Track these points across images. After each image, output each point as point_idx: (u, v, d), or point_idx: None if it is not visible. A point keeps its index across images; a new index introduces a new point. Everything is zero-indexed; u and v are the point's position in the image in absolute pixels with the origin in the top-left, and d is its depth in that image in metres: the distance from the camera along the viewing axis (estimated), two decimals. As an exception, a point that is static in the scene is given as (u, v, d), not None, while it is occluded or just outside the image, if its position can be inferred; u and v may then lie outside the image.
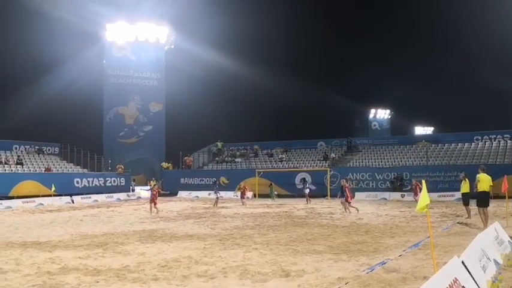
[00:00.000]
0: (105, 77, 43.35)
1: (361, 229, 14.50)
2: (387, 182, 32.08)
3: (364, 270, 8.22)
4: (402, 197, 29.43)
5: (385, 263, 8.84)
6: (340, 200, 22.09)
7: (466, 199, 16.74)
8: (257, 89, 51.65)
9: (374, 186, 32.41)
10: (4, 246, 11.71)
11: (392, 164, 34.45)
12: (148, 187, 38.60)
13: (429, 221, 7.26)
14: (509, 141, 34.48)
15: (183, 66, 44.73)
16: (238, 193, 26.35)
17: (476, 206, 14.75)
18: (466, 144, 35.40)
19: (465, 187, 16.39)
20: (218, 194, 26.66)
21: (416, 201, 20.75)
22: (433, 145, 36.49)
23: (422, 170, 31.00)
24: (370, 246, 11.01)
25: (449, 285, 5.05)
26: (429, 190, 7.01)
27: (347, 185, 21.30)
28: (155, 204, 22.38)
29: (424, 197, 6.78)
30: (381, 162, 35.63)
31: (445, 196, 27.82)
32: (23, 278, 7.99)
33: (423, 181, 7.00)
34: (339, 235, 13.08)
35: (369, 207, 23.58)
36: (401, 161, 35.11)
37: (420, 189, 19.68)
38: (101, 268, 8.72)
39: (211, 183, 34.94)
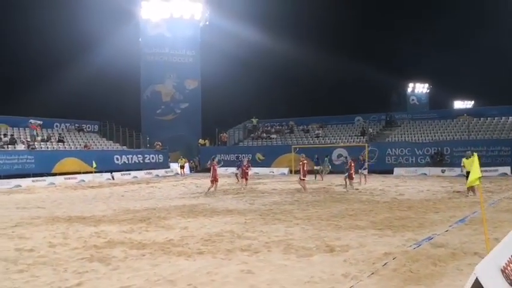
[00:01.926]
0: (142, 55, 43.71)
1: (403, 205, 14.22)
2: (427, 157, 31.39)
3: (411, 246, 8.04)
4: (443, 172, 28.83)
5: (432, 238, 8.62)
6: (343, 176, 21.50)
7: None
8: (293, 64, 51.05)
9: (413, 162, 31.79)
10: (51, 220, 12.04)
11: (432, 139, 33.64)
12: (187, 163, 39.33)
13: (481, 195, 6.98)
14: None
15: (217, 43, 44.58)
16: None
17: None
18: (510, 117, 34.15)
19: None
20: (239, 170, 24.79)
21: (346, 180, 20.48)
22: (474, 119, 35.37)
23: (464, 145, 30.11)
24: (414, 221, 10.77)
25: (508, 260, 4.82)
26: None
27: (353, 164, 21.10)
28: (246, 179, 22.36)
29: (476, 170, 6.51)
30: (421, 137, 34.85)
31: (488, 171, 27.00)
32: (71, 251, 8.17)
33: (475, 154, 6.70)
34: (381, 211, 12.87)
35: (409, 183, 23.15)
36: (441, 136, 34.23)
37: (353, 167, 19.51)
38: (146, 242, 8.83)
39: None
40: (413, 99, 71.02)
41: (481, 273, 4.07)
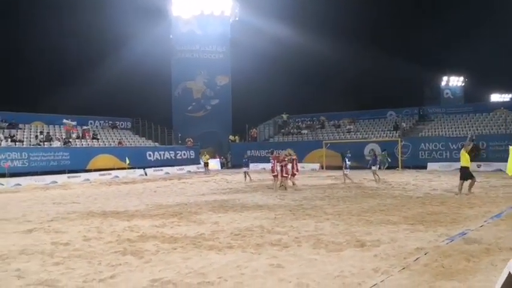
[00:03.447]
0: (173, 52, 44.19)
1: (436, 200, 13.98)
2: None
3: (443, 241, 7.90)
4: (478, 167, 28.09)
5: (465, 234, 8.45)
6: (345, 171, 21.49)
7: None
8: (324, 59, 50.50)
9: (448, 157, 31.11)
10: (86, 215, 12.35)
11: (467, 133, 32.82)
12: (218, 160, 39.55)
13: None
14: None
15: (248, 39, 44.57)
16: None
17: None
18: (550, 110, 33.06)
19: None
20: (245, 169, 24.89)
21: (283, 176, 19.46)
22: (512, 112, 34.37)
23: (501, 139, 29.26)
24: (447, 216, 10.58)
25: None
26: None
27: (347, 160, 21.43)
28: (294, 176, 19.56)
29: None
30: (455, 131, 34.09)
31: (526, 166, 26.20)
32: (105, 245, 8.36)
33: (510, 147, 6.55)
34: (413, 206, 12.68)
35: (442, 178, 22.72)
36: (477, 130, 33.38)
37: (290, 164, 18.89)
38: (177, 236, 8.96)
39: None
40: (447, 93, 69.44)
41: (515, 268, 3.98)
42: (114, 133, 37.26)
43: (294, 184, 19.34)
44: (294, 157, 19.68)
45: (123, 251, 7.73)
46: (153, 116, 39.34)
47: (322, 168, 33.87)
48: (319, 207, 13.01)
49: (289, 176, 19.12)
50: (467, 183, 15.20)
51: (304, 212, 11.95)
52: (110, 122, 38.47)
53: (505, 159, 14.71)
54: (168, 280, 5.95)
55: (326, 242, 8.11)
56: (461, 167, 15.41)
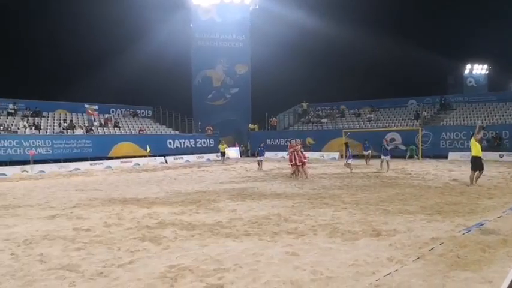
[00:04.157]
0: (193, 41, 44.21)
1: (455, 190, 13.87)
2: (484, 141, 30.21)
3: (460, 231, 7.88)
4: (501, 157, 27.73)
5: (482, 224, 8.42)
6: (348, 160, 21.62)
7: None
8: (343, 47, 50.02)
9: (469, 146, 30.53)
10: (107, 202, 12.61)
11: (490, 122, 32.33)
12: (237, 148, 39.66)
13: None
14: None
15: (267, 27, 44.32)
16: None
17: None
18: None
19: None
20: (261, 158, 25.15)
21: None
22: (537, 101, 33.66)
23: (525, 129, 28.78)
24: (465, 207, 10.51)
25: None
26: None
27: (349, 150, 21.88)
28: (303, 165, 19.22)
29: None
30: (477, 120, 33.52)
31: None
32: (124, 231, 8.56)
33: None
34: (432, 196, 12.61)
35: (463, 168, 22.41)
36: (500, 119, 32.84)
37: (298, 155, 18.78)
38: (196, 223, 9.12)
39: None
40: (470, 81, 68.14)
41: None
42: (135, 121, 37.69)
43: (305, 173, 19.22)
44: (297, 147, 19.56)
45: (142, 238, 7.91)
46: (173, 105, 39.66)
47: (342, 157, 33.72)
48: (337, 196, 13.04)
49: (302, 165, 19.20)
50: (479, 173, 14.95)
51: (322, 201, 12.00)
52: (131, 110, 38.93)
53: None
54: (185, 266, 6.09)
55: (342, 230, 8.17)
56: (472, 156, 15.11)
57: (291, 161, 19.53)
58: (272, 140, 38.66)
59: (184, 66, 44.90)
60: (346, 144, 22.46)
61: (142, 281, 5.60)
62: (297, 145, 19.58)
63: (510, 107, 34.19)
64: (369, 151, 27.30)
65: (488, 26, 52.32)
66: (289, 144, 20.60)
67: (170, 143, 35.01)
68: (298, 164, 19.00)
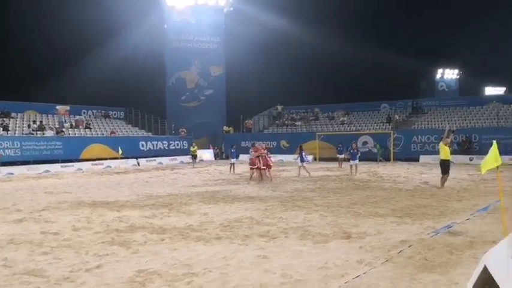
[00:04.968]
0: (167, 42, 43.88)
1: (426, 192, 14.10)
2: (454, 145, 30.83)
3: (428, 234, 8.00)
4: (470, 160, 28.30)
5: (451, 227, 8.56)
6: (304, 163, 21.56)
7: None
8: (319, 51, 50.37)
9: (439, 149, 31.21)
10: (76, 205, 12.38)
11: (460, 126, 33.01)
12: (212, 150, 39.50)
13: (500, 183, 6.89)
14: None
15: (242, 29, 44.36)
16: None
17: None
18: (541, 104, 33.26)
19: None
20: (233, 160, 24.89)
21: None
22: (504, 105, 34.53)
23: (493, 132, 29.43)
24: (435, 209, 10.69)
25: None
26: (500, 153, 6.62)
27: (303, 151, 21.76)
28: (269, 168, 19.22)
29: (493, 158, 6.45)
30: (448, 124, 34.21)
31: (517, 159, 26.47)
32: (93, 235, 8.41)
33: (494, 142, 6.60)
34: (403, 198, 12.79)
35: (434, 171, 22.80)
36: (470, 123, 33.57)
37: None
38: (166, 227, 9.02)
39: (271, 147, 35.24)
40: (442, 86, 69.50)
41: (490, 261, 4.05)
42: (107, 122, 37.18)
43: (269, 176, 19.18)
44: (264, 152, 19.48)
45: (111, 241, 7.79)
46: (146, 106, 39.28)
47: (316, 159, 33.95)
48: (309, 198, 13.10)
49: (267, 168, 19.11)
50: (445, 176, 15.17)
51: (295, 204, 12.03)
52: (103, 112, 38.39)
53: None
54: (154, 271, 6.01)
55: (313, 233, 8.19)
56: (440, 160, 15.35)
57: (253, 164, 19.19)
58: (247, 142, 38.61)
59: (158, 67, 44.54)
60: (301, 148, 22.56)
61: (110, 285, 5.50)
62: (262, 149, 19.53)
63: (479, 111, 35.00)
64: (343, 154, 27.50)
65: (459, 31, 53.53)
66: (253, 147, 20.42)
67: (143, 145, 34.67)
68: (263, 167, 18.90)
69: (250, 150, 20.29)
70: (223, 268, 6.10)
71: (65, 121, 33.48)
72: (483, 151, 27.95)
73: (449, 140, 15.69)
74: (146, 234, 8.32)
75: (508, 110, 33.83)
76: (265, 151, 19.50)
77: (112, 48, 42.67)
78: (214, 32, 44.47)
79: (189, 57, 43.68)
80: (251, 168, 19.33)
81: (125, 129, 37.41)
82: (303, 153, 21.88)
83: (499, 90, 67.00)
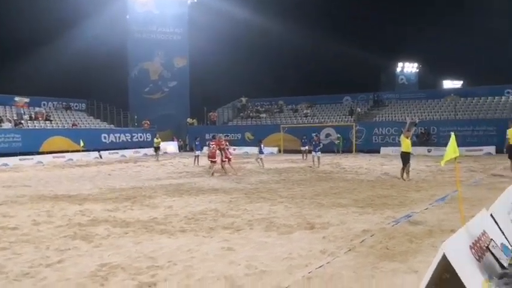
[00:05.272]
0: (129, 33, 43.09)
1: (386, 183, 14.43)
2: (413, 137, 31.57)
3: (389, 223, 8.21)
4: (429, 151, 29.08)
5: (410, 216, 8.80)
6: (262, 156, 22.07)
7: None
8: (282, 43, 50.76)
9: (400, 141, 31.94)
10: (36, 199, 12.08)
11: (419, 119, 33.83)
12: (176, 142, 39.16)
13: (457, 174, 7.11)
14: (542, 95, 33.43)
15: (206, 20, 44.02)
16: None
17: (508, 158, 14.84)
18: (496, 97, 34.46)
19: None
20: (197, 152, 24.75)
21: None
22: (462, 99, 35.62)
23: (450, 125, 30.38)
24: (395, 199, 10.97)
25: (478, 237, 4.96)
26: (458, 144, 6.83)
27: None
28: (229, 160, 18.92)
29: (452, 149, 6.65)
30: (408, 116, 35.00)
31: (473, 151, 27.42)
32: (55, 229, 8.24)
33: (452, 134, 6.80)
34: (364, 189, 13.06)
35: (394, 162, 23.33)
36: (428, 115, 34.48)
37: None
38: (130, 220, 8.92)
39: (236, 139, 35.32)
40: (402, 79, 71.02)
41: (449, 249, 4.20)
42: (68, 115, 36.35)
43: (232, 168, 19.05)
44: (224, 142, 19.37)
45: (73, 236, 7.65)
46: (108, 98, 38.61)
47: (280, 151, 34.18)
48: (274, 190, 13.20)
49: (228, 161, 18.95)
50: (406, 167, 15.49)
51: (259, 195, 12.10)
52: (64, 103, 37.51)
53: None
54: (117, 264, 5.94)
55: (278, 224, 8.27)
56: (401, 152, 15.69)
57: (213, 157, 18.77)
58: (211, 134, 38.38)
59: (120, 58, 43.72)
60: (260, 141, 23.04)
61: (71, 280, 5.41)
62: (222, 141, 19.41)
63: (438, 104, 35.97)
64: (307, 146, 27.78)
65: (419, 26, 54.79)
66: (214, 140, 19.78)
67: (105, 137, 34.05)
68: (224, 160, 18.82)
69: (210, 142, 19.95)
70: (188, 261, 6.09)
71: (24, 113, 32.48)
72: (441, 143, 28.90)
73: (410, 134, 16.04)
74: (109, 228, 8.21)
75: (465, 103, 34.91)
76: (226, 143, 19.40)
77: (73, 39, 41.55)
78: (177, 23, 43.95)
79: (152, 48, 43.05)
80: (211, 161, 18.94)
81: (86, 121, 36.66)
82: (262, 146, 22.37)
83: (457, 84, 69.00)
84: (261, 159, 21.85)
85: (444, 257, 4.22)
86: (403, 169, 15.44)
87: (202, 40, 43.16)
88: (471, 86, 47.82)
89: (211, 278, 5.35)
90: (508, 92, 34.77)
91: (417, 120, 23.55)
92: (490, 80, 42.22)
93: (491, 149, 27.96)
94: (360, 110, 37.36)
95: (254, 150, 33.98)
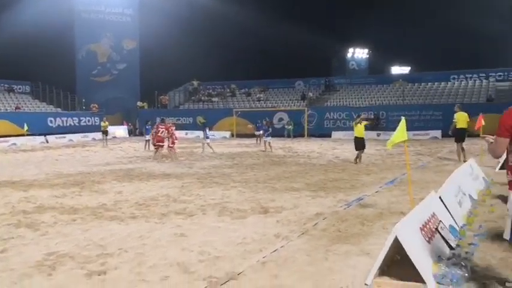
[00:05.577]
0: (76, 12, 41.50)
1: (338, 167, 14.66)
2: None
3: (341, 206, 8.32)
4: (378, 135, 29.79)
5: (361, 199, 8.96)
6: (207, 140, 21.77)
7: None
8: (235, 26, 50.22)
9: (351, 126, 32.45)
10: (-23, 185, 11.48)
11: (369, 103, 34.59)
12: (126, 127, 38.29)
13: (407, 158, 7.29)
14: (484, 81, 34.84)
15: (157, 2, 42.99)
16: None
17: (455, 141, 15.36)
18: (442, 83, 35.68)
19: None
20: (148, 137, 23.63)
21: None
22: (409, 84, 36.65)
23: (399, 109, 31.23)
24: (347, 183, 11.15)
25: (428, 219, 5.09)
26: (407, 129, 6.96)
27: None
28: (173, 145, 18.32)
29: (400, 133, 6.79)
30: (358, 101, 35.74)
31: (420, 135, 28.34)
32: (-3, 217, 7.85)
33: (403, 118, 6.93)
34: (316, 173, 13.20)
35: (345, 146, 23.79)
36: (377, 100, 35.28)
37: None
38: (78, 207, 8.62)
39: (187, 123, 34.96)
40: (352, 64, 72.17)
41: (400, 231, 4.28)
42: (11, 97, 34.80)
43: (175, 153, 18.49)
44: (172, 127, 18.82)
45: (17, 224, 7.31)
46: (54, 80, 37.06)
47: (233, 136, 34.09)
48: (227, 175, 13.12)
49: (174, 146, 18.48)
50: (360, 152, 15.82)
51: (212, 180, 11.99)
52: (6, 86, 35.91)
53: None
54: (65, 253, 5.71)
55: (231, 209, 8.21)
56: (355, 137, 15.99)
57: (162, 141, 18.11)
58: (160, 118, 37.76)
59: (67, 39, 42.08)
60: (204, 124, 23.30)
61: (16, 270, 5.14)
62: (171, 125, 18.94)
63: (387, 89, 36.86)
64: (261, 131, 27.79)
65: (369, 12, 55.64)
66: (163, 124, 18.72)
67: (51, 121, 32.88)
68: (171, 145, 18.27)
69: (159, 126, 18.80)
70: (139, 248, 5.93)
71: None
72: (390, 127, 29.68)
73: (362, 126, 16.07)
74: (56, 215, 7.89)
75: (412, 88, 35.94)
76: (173, 128, 18.95)
77: (15, 18, 39.53)
78: (127, 4, 42.79)
79: (100, 30, 41.74)
80: (159, 146, 18.19)
81: (31, 104, 35.25)
82: (207, 130, 22.03)
83: (405, 70, 70.82)
84: (207, 144, 21.53)
85: (396, 240, 4.30)
86: (358, 154, 15.72)
87: (153, 22, 42.11)
88: (418, 72, 49.23)
89: (163, 265, 5.23)
90: (454, 78, 36.05)
91: (370, 116, 24.14)
92: (436, 66, 43.69)
93: (437, 133, 29.00)
94: (311, 95, 37.72)
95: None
